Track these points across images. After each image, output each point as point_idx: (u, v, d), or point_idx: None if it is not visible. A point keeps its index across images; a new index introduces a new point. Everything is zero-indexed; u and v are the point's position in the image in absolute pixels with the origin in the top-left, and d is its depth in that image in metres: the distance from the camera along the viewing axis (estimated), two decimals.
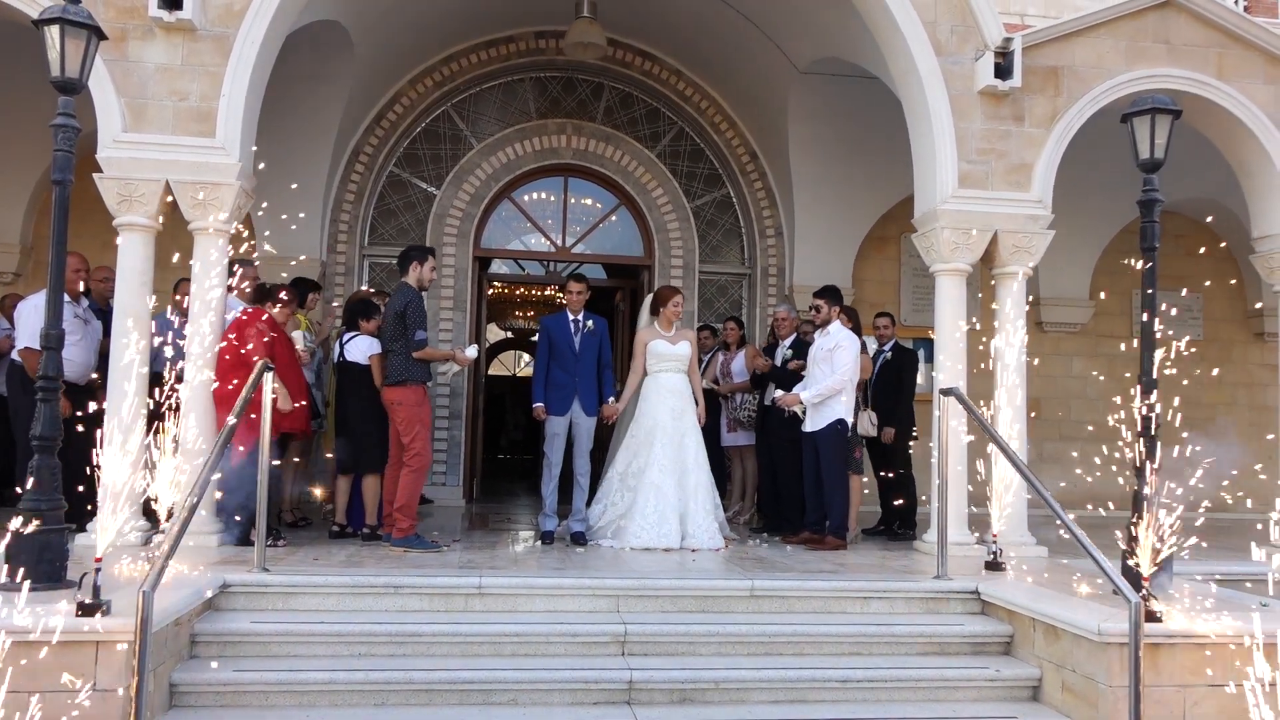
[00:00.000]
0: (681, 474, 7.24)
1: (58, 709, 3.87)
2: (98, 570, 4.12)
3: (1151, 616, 4.63)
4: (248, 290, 6.86)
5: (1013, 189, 7.22)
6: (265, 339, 6.38)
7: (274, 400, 5.78)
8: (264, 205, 8.33)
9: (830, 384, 7.22)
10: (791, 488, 7.74)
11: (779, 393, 7.64)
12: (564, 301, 7.64)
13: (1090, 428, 9.86)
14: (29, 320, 6.74)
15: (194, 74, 6.45)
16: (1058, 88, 7.35)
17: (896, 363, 8.17)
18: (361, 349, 6.95)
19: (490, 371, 19.79)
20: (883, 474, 8.13)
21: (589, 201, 11.20)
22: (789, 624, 5.38)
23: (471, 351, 7.30)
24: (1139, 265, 5.55)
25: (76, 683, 3.91)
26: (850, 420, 7.36)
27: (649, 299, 7.81)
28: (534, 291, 17.79)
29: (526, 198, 11.08)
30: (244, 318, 6.54)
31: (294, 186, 8.79)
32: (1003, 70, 7.16)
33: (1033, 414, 8.68)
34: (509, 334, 22.25)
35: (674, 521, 7.08)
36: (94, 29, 4.85)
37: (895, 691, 5.04)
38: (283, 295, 6.88)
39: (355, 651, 4.92)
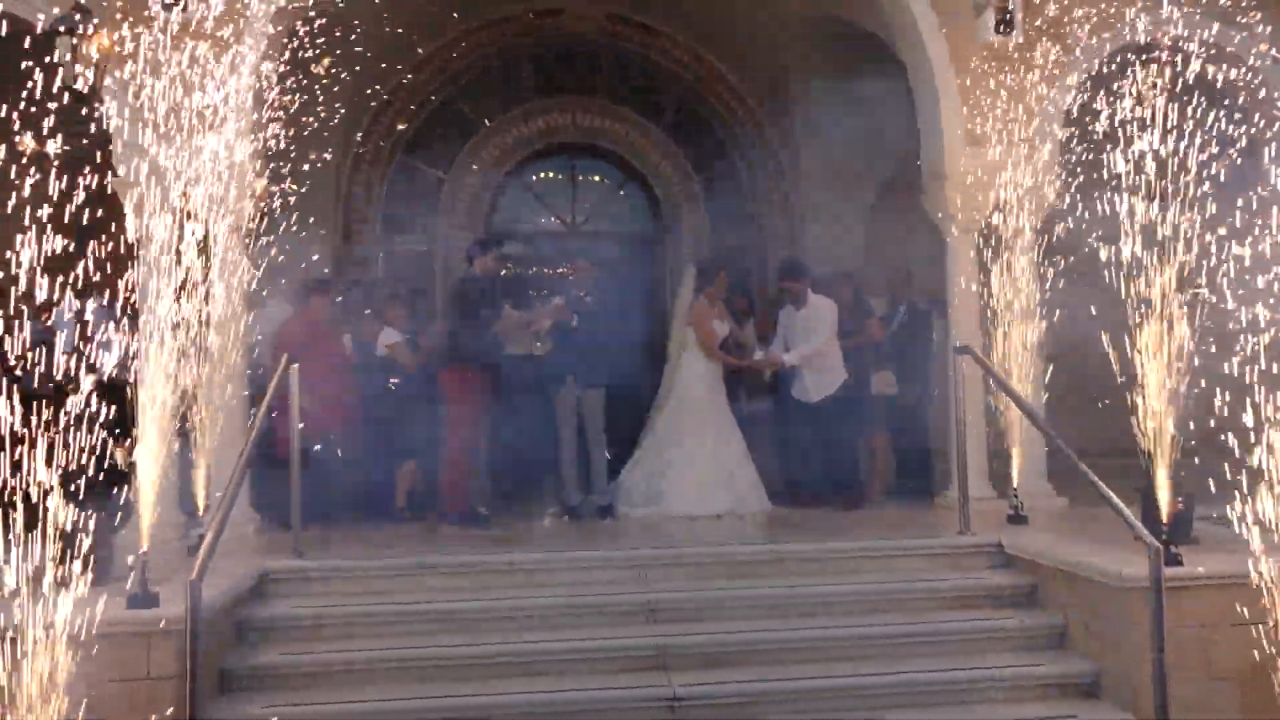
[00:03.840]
0: (721, 443, 7.39)
1: (113, 699, 4.03)
2: (144, 564, 4.26)
3: (1172, 560, 4.70)
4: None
5: (1019, 145, 7.22)
6: (299, 340, 6.51)
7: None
8: (278, 199, 8.42)
9: (813, 345, 7.44)
10: (810, 453, 7.82)
11: (759, 353, 7.75)
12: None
13: None
14: None
15: None
16: (1062, 40, 7.32)
17: (911, 325, 8.25)
18: (381, 340, 7.12)
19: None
20: (899, 434, 8.21)
21: (597, 178, 11.24)
22: (815, 585, 5.49)
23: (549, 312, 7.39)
24: None
25: (130, 673, 4.06)
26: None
27: (691, 273, 7.87)
28: (547, 271, 17.89)
29: (534, 177, 11.12)
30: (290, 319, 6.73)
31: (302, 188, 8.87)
32: (1004, 24, 7.13)
33: None
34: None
35: (716, 489, 7.24)
36: None
37: (924, 646, 5.16)
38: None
39: (395, 631, 5.07)
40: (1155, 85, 5.74)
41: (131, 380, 4.88)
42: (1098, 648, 4.95)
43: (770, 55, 10.19)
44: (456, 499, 6.79)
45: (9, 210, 4.11)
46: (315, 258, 9.13)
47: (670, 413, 7.51)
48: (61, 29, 4.93)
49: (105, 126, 6.34)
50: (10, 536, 3.57)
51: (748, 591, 5.42)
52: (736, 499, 7.27)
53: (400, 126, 10.61)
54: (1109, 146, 5.58)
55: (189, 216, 6.57)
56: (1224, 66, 7.73)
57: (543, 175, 11.17)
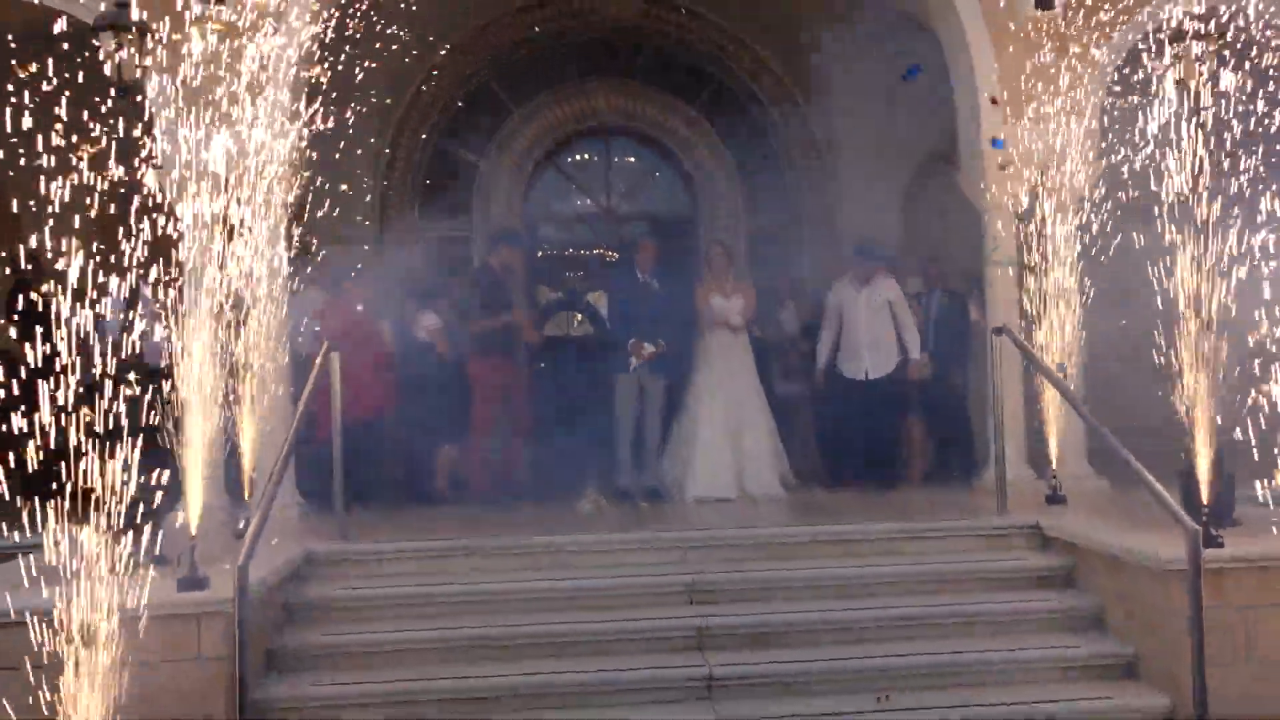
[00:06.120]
0: (736, 426, 7.39)
1: (165, 679, 4.15)
2: (193, 548, 4.39)
3: (1212, 542, 4.65)
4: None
5: (1057, 122, 7.11)
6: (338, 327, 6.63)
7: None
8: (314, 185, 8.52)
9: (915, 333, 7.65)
10: (848, 434, 7.82)
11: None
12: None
13: None
14: None
15: None
16: (1101, 12, 7.18)
17: (948, 307, 8.23)
18: (421, 323, 7.22)
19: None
20: (937, 416, 8.18)
21: (632, 160, 11.25)
22: (852, 567, 5.51)
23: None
24: None
25: (181, 654, 4.19)
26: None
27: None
28: (582, 252, 18.00)
29: (570, 160, 11.15)
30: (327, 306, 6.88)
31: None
32: None
33: None
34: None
35: (726, 474, 7.25)
36: None
37: (961, 627, 5.15)
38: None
39: (437, 611, 5.16)
40: (1201, 57, 5.63)
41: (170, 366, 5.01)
42: (1137, 630, 4.92)
43: (805, 36, 10.09)
44: (496, 482, 6.89)
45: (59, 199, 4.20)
46: (351, 244, 9.26)
47: (694, 395, 7.54)
48: (106, 24, 5.03)
49: (146, 117, 6.47)
50: (63, 518, 3.69)
51: (785, 573, 5.44)
52: (750, 484, 7.27)
53: (436, 112, 10.67)
54: (1150, 118, 5.48)
55: (230, 199, 6.70)
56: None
57: (578, 158, 11.19)
